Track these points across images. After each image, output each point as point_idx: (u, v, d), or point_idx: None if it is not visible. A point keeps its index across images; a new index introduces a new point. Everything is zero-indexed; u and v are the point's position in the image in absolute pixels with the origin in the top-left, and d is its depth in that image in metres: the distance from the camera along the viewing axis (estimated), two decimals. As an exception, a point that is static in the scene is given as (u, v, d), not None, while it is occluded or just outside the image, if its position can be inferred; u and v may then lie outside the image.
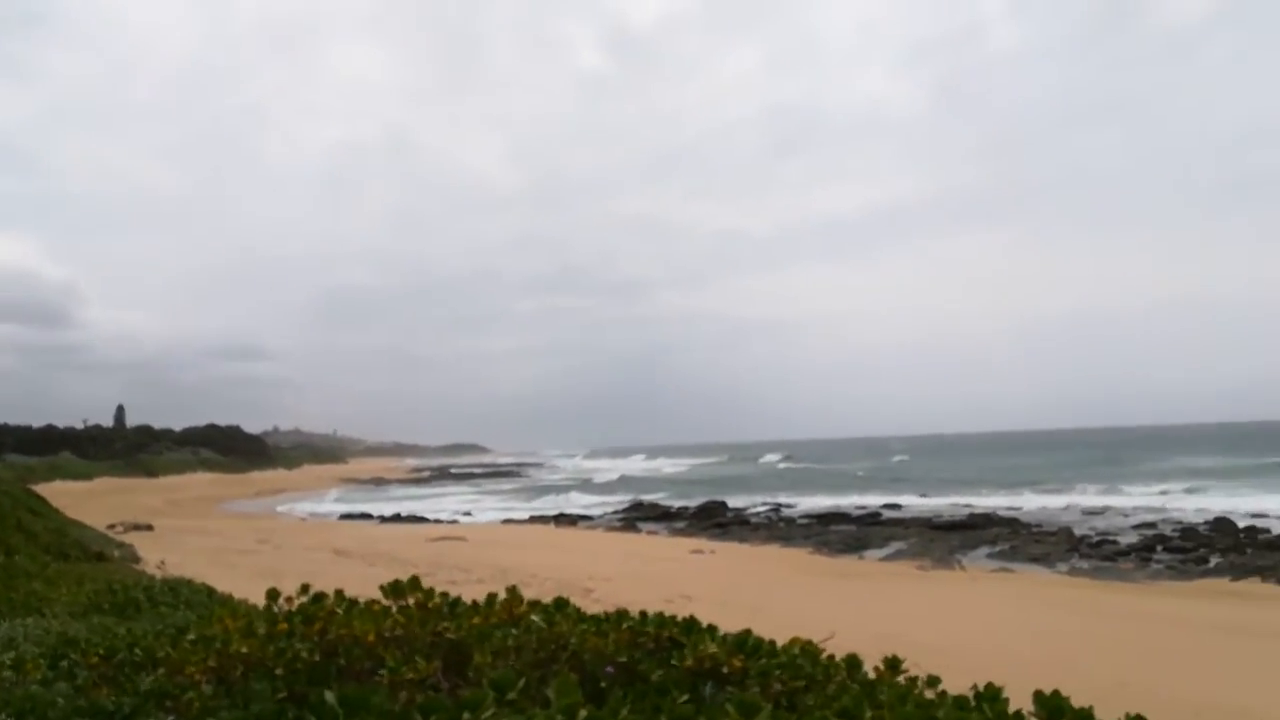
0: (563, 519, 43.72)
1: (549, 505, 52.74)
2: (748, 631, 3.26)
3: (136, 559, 20.16)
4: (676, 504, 48.96)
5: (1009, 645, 13.30)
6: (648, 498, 54.85)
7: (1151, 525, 33.97)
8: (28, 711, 2.56)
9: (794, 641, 3.27)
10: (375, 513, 48.97)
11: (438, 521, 43.11)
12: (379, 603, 3.46)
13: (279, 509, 54.32)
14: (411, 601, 3.45)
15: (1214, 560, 25.67)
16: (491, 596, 3.59)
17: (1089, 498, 46.85)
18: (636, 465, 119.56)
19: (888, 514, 42.06)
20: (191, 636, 3.39)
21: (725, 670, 2.98)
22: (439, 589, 3.63)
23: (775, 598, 18.11)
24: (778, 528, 37.75)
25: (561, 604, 3.52)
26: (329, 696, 2.04)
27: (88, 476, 78.99)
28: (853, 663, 3.13)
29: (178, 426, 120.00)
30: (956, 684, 2.85)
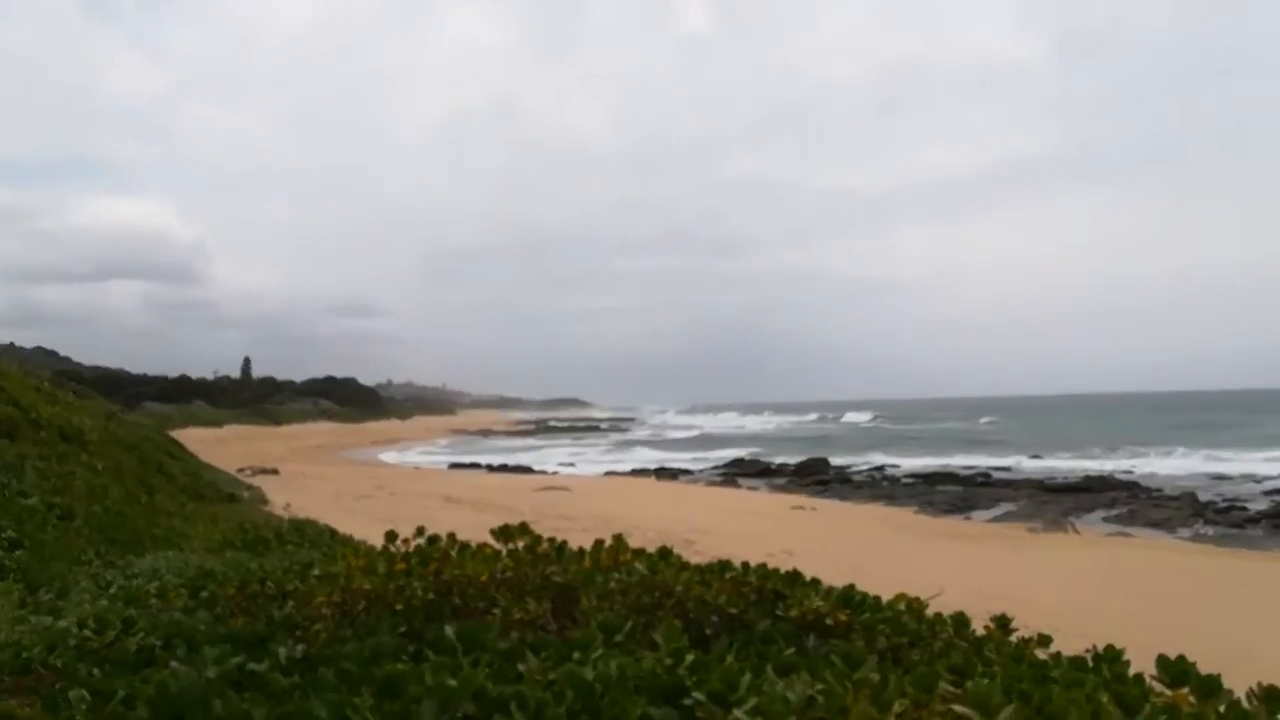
0: (664, 473, 44.14)
1: (650, 459, 53.28)
2: (851, 586, 3.25)
3: (264, 501, 21.41)
4: (777, 460, 48.75)
5: (1126, 610, 12.82)
6: (747, 453, 54.77)
7: (1287, 491, 31.97)
8: (174, 635, 2.77)
9: (899, 598, 3.25)
10: (483, 462, 50.50)
11: (543, 472, 44.15)
12: (490, 546, 3.58)
13: (393, 457, 56.63)
14: (520, 545, 3.56)
15: (1357, 530, 24.02)
16: (598, 543, 3.67)
17: (1212, 463, 44.34)
18: (729, 422, 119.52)
19: (997, 475, 40.87)
20: (317, 573, 3.60)
21: (829, 623, 2.98)
22: (545, 536, 3.74)
23: (878, 556, 17.90)
24: (881, 486, 37.20)
25: (665, 553, 3.58)
26: (449, 631, 2.14)
27: (218, 424, 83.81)
28: (960, 620, 3.08)
29: (299, 378, 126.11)
30: (1071, 647, 2.77)
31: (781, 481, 39.84)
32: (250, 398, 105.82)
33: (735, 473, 43.75)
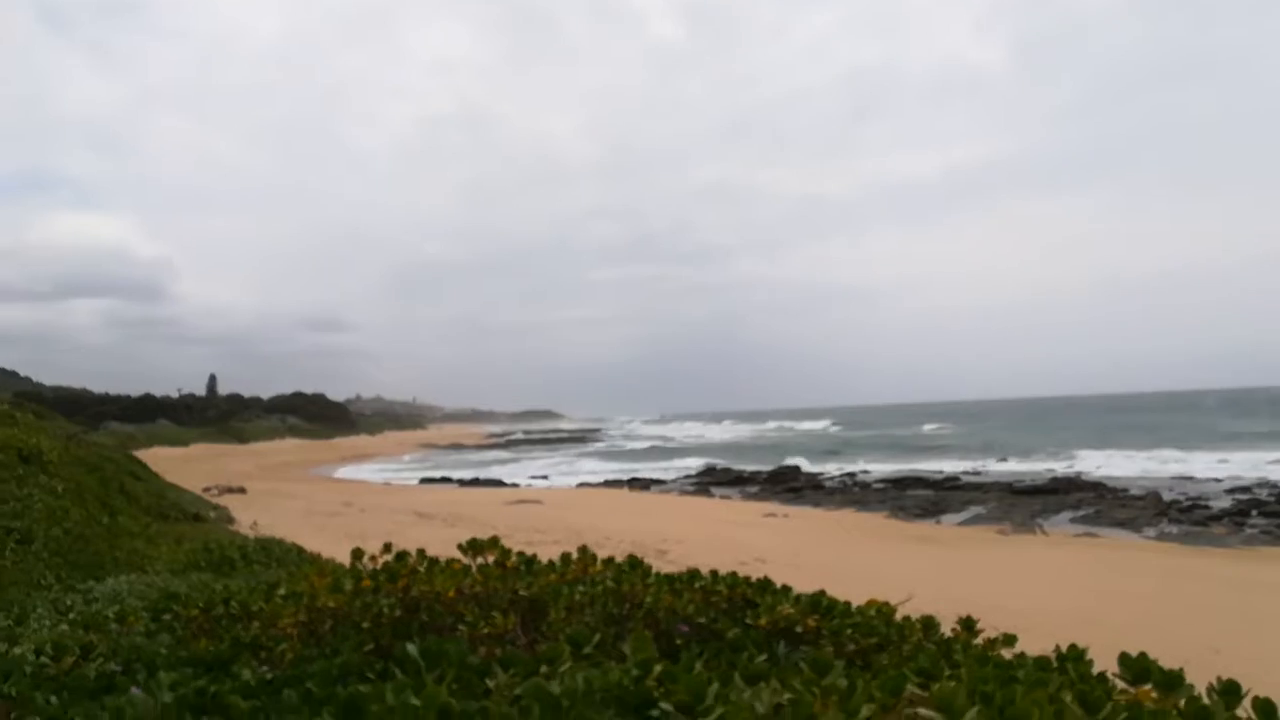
0: (636, 483, 44.10)
1: (622, 470, 53.20)
2: (821, 592, 3.26)
3: (230, 520, 21.08)
4: (749, 468, 48.90)
5: (1092, 609, 12.99)
6: (719, 462, 54.88)
7: (1246, 489, 32.61)
8: (134, 659, 2.71)
9: (870, 603, 3.26)
10: (454, 477, 50.15)
11: (515, 485, 43.92)
12: (459, 561, 3.56)
13: (363, 473, 56.05)
14: (490, 559, 3.54)
15: (1315, 526, 24.54)
16: (566, 555, 3.66)
17: (1175, 464, 45.16)
18: (695, 431, 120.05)
19: (966, 478, 41.30)
20: (283, 592, 3.54)
21: (799, 630, 2.99)
22: (517, 549, 3.72)
23: (850, 561, 18.00)
24: (852, 492, 37.42)
25: (634, 563, 3.56)
26: (411, 649, 2.11)
27: (183, 443, 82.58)
28: (929, 623, 3.10)
29: (266, 395, 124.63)
30: (1038, 647, 2.80)
31: (754, 489, 39.94)
32: (216, 415, 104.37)
33: (708, 481, 43.82)
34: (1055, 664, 2.39)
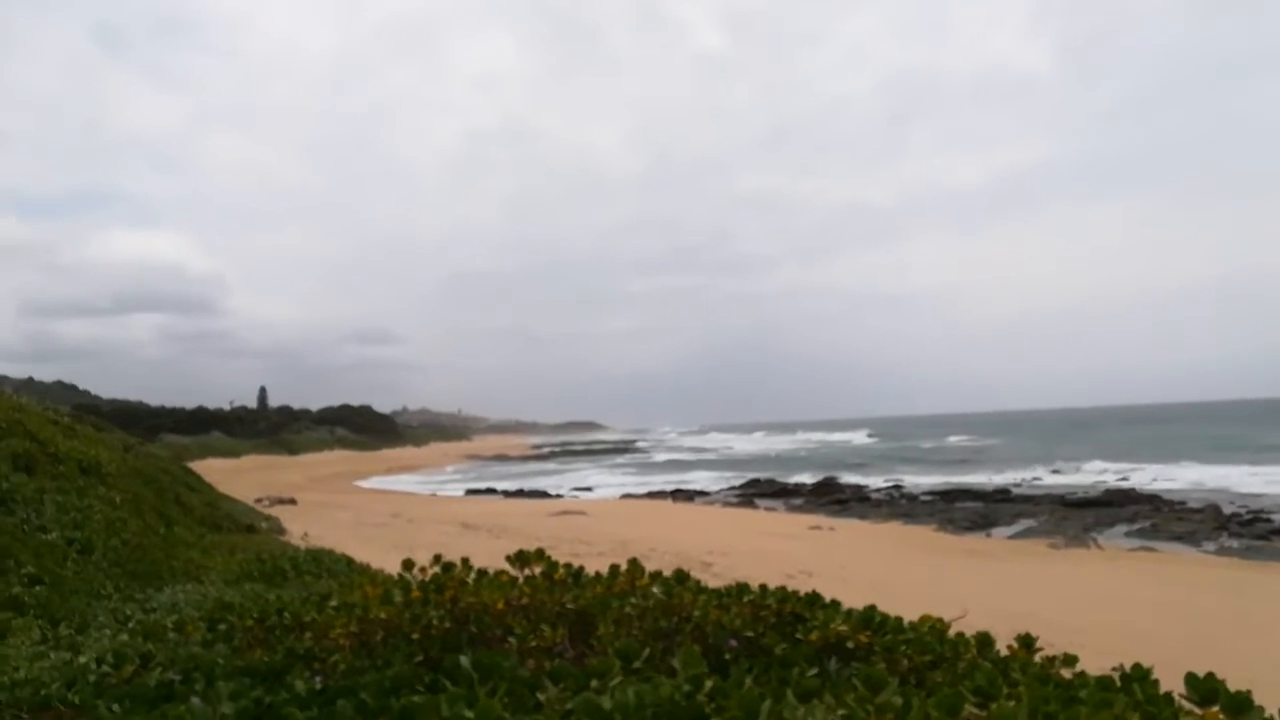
0: (680, 494, 43.97)
1: (666, 481, 53.08)
2: (872, 607, 3.21)
3: (282, 531, 21.43)
4: (793, 480, 48.50)
5: (1152, 627, 12.63)
6: (763, 474, 54.55)
7: (1313, 502, 31.51)
8: (192, 669, 2.76)
9: (923, 619, 3.21)
10: (499, 488, 50.45)
11: (559, 496, 44.06)
12: (506, 573, 3.57)
13: (409, 484, 56.67)
14: (537, 571, 3.55)
15: (1386, 540, 23.62)
16: (614, 568, 3.65)
17: (1236, 474, 43.85)
18: (728, 442, 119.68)
19: (1017, 490, 40.50)
20: (334, 603, 3.59)
21: (850, 645, 2.95)
22: (563, 561, 3.72)
23: (899, 575, 17.74)
24: (899, 505, 36.89)
25: (682, 576, 3.55)
26: (464, 661, 2.12)
27: (235, 454, 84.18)
28: (984, 640, 3.04)
29: (315, 407, 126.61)
30: (1096, 665, 2.73)
31: (798, 501, 39.57)
32: (267, 427, 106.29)
33: (752, 493, 43.52)
34: (1119, 684, 2.32)
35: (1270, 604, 14.97)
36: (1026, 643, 2.99)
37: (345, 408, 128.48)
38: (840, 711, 1.81)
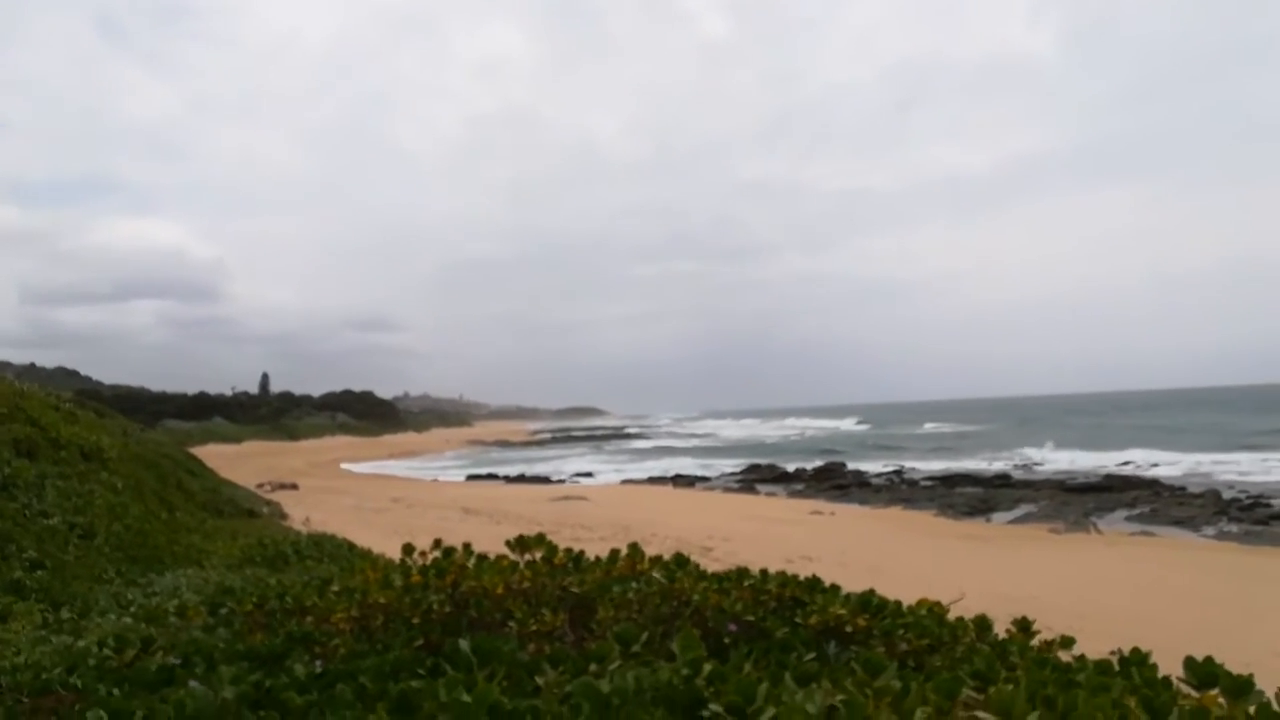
0: (680, 480, 44.04)
1: (667, 466, 53.16)
2: (871, 591, 3.22)
3: (283, 516, 21.49)
4: (793, 465, 48.56)
5: (1151, 611, 12.67)
6: (764, 460, 54.61)
7: (1312, 487, 31.53)
8: (193, 653, 2.77)
9: (921, 603, 3.21)
10: (500, 473, 50.55)
11: (560, 482, 44.16)
12: (506, 558, 3.57)
13: (411, 469, 56.79)
14: (537, 556, 3.55)
15: (1385, 525, 23.65)
16: (614, 552, 3.65)
17: (1235, 457, 43.92)
18: (721, 428, 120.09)
19: (1017, 475, 40.56)
20: (335, 587, 3.60)
21: (849, 629, 2.95)
22: (563, 546, 3.73)
23: (898, 560, 17.78)
24: (899, 490, 36.95)
25: (682, 561, 3.55)
26: (463, 645, 2.12)
27: (237, 440, 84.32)
28: (982, 624, 3.05)
29: (316, 393, 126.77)
30: (1095, 649, 2.73)
31: (799, 486, 39.63)
32: (268, 413, 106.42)
33: (752, 478, 43.57)
34: (1117, 667, 2.33)
35: (1270, 588, 15.01)
36: (1024, 626, 3.00)
37: (347, 393, 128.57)
38: (839, 696, 1.82)
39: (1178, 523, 25.10)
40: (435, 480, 47.37)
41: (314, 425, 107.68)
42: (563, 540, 4.84)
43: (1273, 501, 28.45)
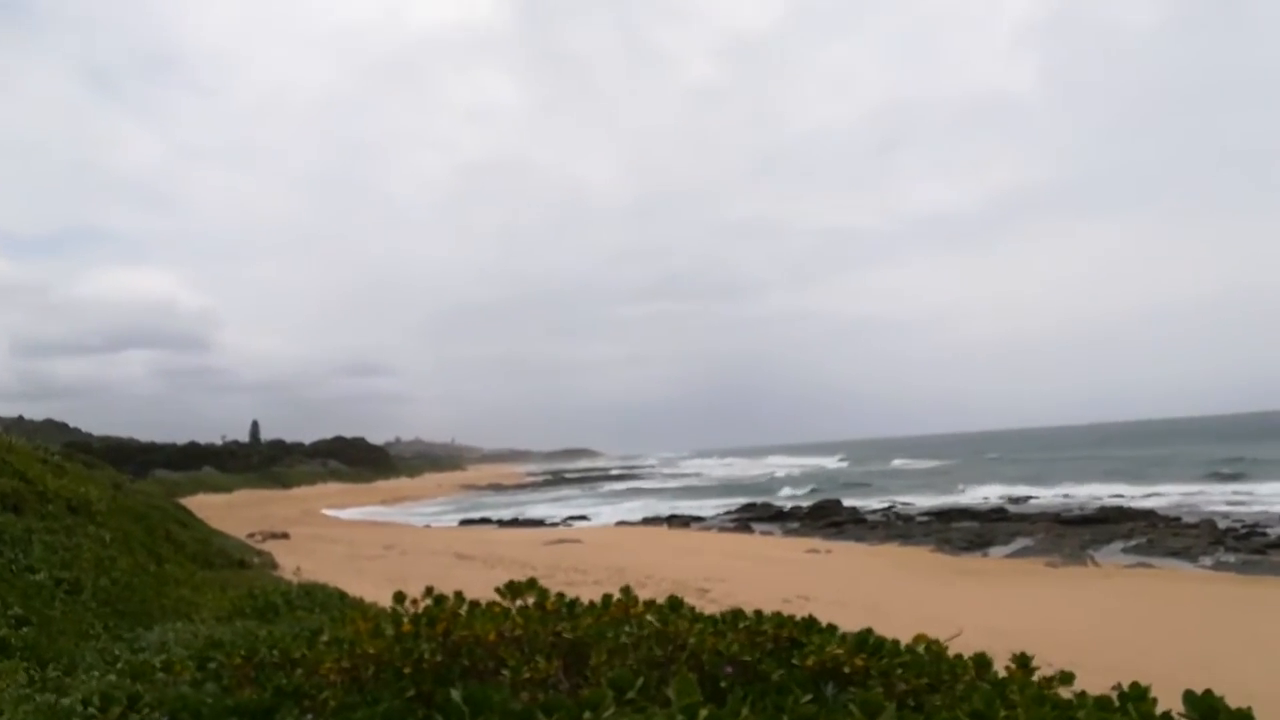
0: (675, 520, 43.76)
1: (660, 507, 52.87)
2: (869, 630, 3.18)
3: (274, 565, 21.25)
4: (789, 504, 48.34)
5: (1151, 643, 12.58)
6: (759, 499, 54.34)
7: (1305, 515, 31.54)
8: (180, 710, 2.71)
9: (919, 639, 3.18)
10: (494, 517, 50.17)
11: (554, 525, 43.86)
12: (499, 604, 3.53)
13: (403, 516, 56.31)
14: (530, 602, 3.51)
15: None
16: (607, 597, 3.61)
17: (1230, 487, 43.98)
18: (717, 467, 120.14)
19: (1013, 509, 40.46)
20: (326, 638, 3.54)
21: (847, 670, 2.92)
22: (557, 590, 3.68)
23: (896, 597, 17.65)
24: (895, 526, 36.78)
25: (676, 604, 3.52)
26: (455, 695, 2.09)
27: (228, 489, 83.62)
28: (981, 661, 3.01)
29: (307, 440, 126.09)
30: (1095, 685, 2.70)
31: (794, 525, 39.43)
32: (259, 461, 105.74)
33: (747, 517, 43.33)
34: (1117, 703, 2.30)
35: (1267, 618, 14.93)
36: (1023, 663, 2.97)
37: (338, 440, 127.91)
38: (837, 738, 1.79)
39: (1174, 554, 25.04)
40: (428, 526, 46.97)
41: (305, 473, 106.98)
42: (556, 584, 4.79)
43: (1269, 530, 28.44)
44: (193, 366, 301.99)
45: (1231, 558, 24.04)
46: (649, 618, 3.36)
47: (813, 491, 57.22)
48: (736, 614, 3.46)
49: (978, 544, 28.97)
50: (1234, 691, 2.24)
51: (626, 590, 3.64)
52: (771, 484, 69.93)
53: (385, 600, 4.37)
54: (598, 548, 28.90)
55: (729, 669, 2.95)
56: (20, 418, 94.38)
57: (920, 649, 3.12)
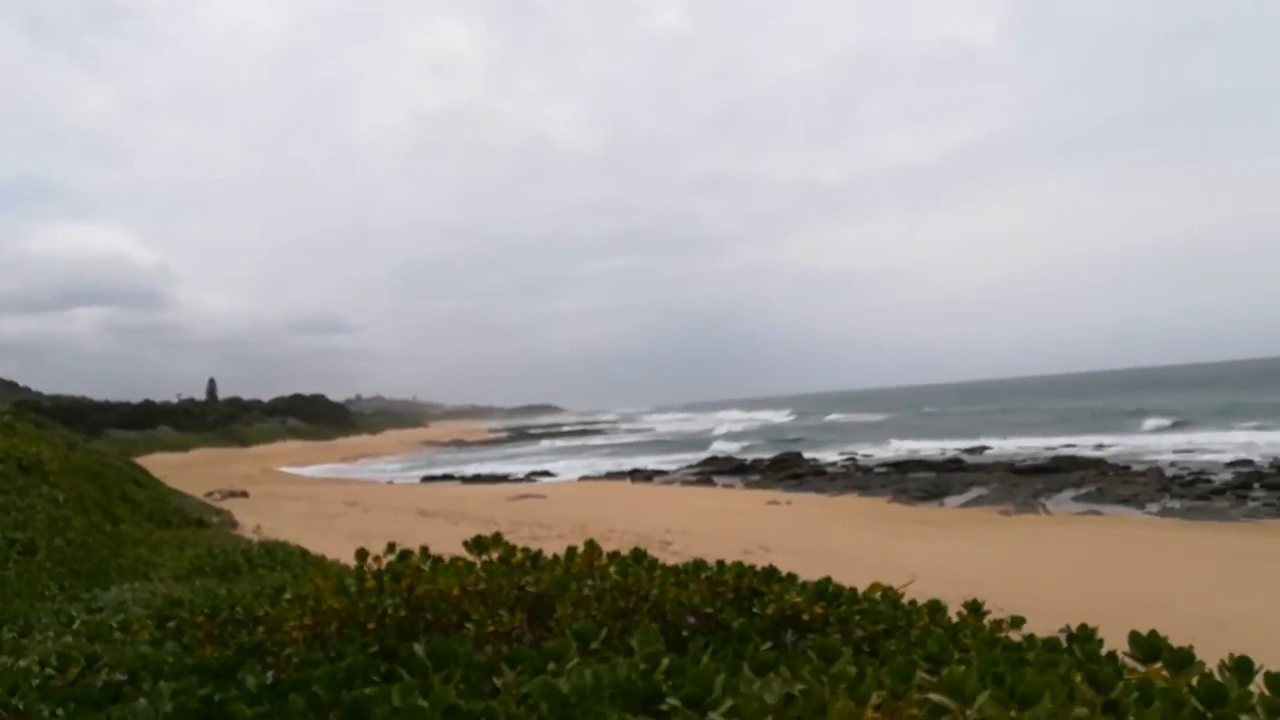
0: (638, 475, 44.09)
1: (624, 462, 53.19)
2: (827, 579, 3.25)
3: (234, 524, 21.07)
4: (750, 457, 48.91)
5: (1098, 588, 13.01)
6: (721, 451, 54.90)
7: (1248, 462, 32.63)
8: (140, 668, 2.69)
9: (874, 587, 3.25)
10: (457, 474, 50.13)
11: (518, 480, 43.95)
12: (462, 559, 3.54)
13: (365, 473, 56.06)
14: (494, 556, 3.52)
15: (1317, 496, 24.57)
16: (571, 550, 3.64)
17: (1177, 435, 45.31)
18: (667, 422, 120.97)
19: (969, 459, 41.34)
20: (288, 596, 3.53)
21: (805, 618, 2.98)
22: (521, 545, 3.70)
23: (854, 546, 18.01)
24: (855, 477, 37.42)
25: (639, 556, 3.55)
26: (418, 649, 2.10)
27: (185, 448, 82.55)
28: (935, 607, 3.09)
29: (266, 398, 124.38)
30: (1045, 628, 2.79)
31: (756, 478, 39.93)
32: (216, 419, 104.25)
33: (709, 471, 43.80)
34: (1065, 644, 2.38)
35: (1211, 562, 15.50)
36: (974, 608, 3.06)
37: (297, 397, 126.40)
38: (796, 684, 1.83)
39: (1123, 501, 25.78)
40: (390, 483, 46.83)
41: (264, 431, 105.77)
42: (521, 539, 4.81)
43: (1213, 477, 29.40)
44: (146, 324, 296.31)
45: (1177, 504, 24.84)
46: (612, 570, 3.40)
47: (746, 449, 57.57)
48: (698, 565, 3.51)
49: (934, 494, 29.61)
50: (1178, 632, 2.33)
51: (590, 543, 3.66)
52: (707, 440, 70.13)
53: (348, 558, 4.37)
54: (561, 502, 29.06)
55: (691, 619, 3.00)
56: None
57: (876, 596, 3.20)
